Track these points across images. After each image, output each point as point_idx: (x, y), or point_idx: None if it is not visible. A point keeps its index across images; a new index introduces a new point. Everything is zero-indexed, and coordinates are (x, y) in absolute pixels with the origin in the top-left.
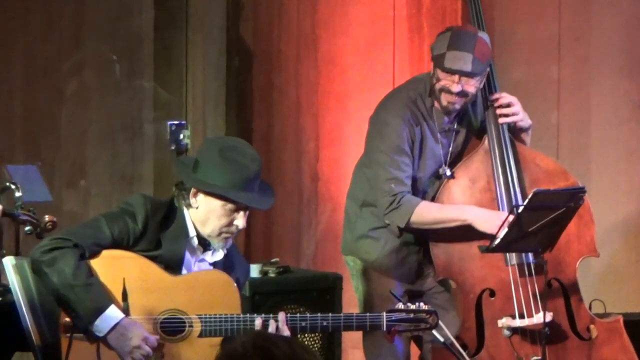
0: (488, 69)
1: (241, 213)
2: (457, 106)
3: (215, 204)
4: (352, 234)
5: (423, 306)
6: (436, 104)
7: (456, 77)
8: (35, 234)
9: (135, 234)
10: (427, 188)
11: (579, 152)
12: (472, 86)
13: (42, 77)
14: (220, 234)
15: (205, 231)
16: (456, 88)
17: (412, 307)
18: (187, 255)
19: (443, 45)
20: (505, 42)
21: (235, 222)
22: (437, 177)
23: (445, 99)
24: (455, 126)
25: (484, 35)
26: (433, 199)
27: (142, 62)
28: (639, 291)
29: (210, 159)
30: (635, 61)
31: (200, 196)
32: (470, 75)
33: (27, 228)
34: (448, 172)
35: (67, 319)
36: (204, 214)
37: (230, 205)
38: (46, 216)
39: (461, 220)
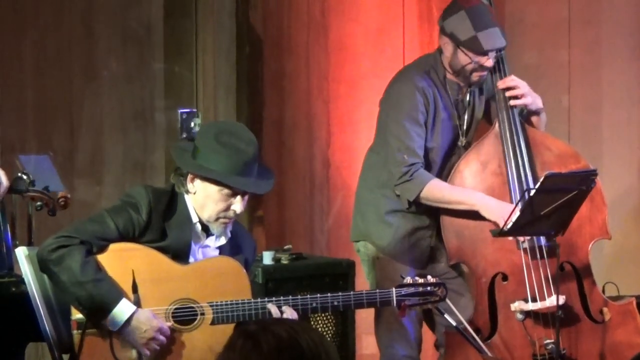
0: None
1: (238, 198)
2: (485, 77)
3: (212, 189)
4: (364, 219)
5: (431, 279)
6: (449, 76)
7: (491, 53)
8: (48, 210)
9: (140, 226)
10: (439, 160)
11: (591, 135)
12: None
13: (53, 66)
14: (217, 219)
15: (204, 216)
16: (490, 63)
17: (420, 280)
18: (191, 242)
19: (467, 27)
20: (516, 26)
21: (232, 207)
22: (450, 152)
23: (476, 75)
24: (467, 97)
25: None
26: (446, 180)
27: (152, 50)
28: None
29: (207, 143)
30: None
31: (197, 181)
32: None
33: (37, 203)
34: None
35: (79, 316)
36: (201, 199)
37: (226, 190)
38: (59, 192)
39: (469, 205)
